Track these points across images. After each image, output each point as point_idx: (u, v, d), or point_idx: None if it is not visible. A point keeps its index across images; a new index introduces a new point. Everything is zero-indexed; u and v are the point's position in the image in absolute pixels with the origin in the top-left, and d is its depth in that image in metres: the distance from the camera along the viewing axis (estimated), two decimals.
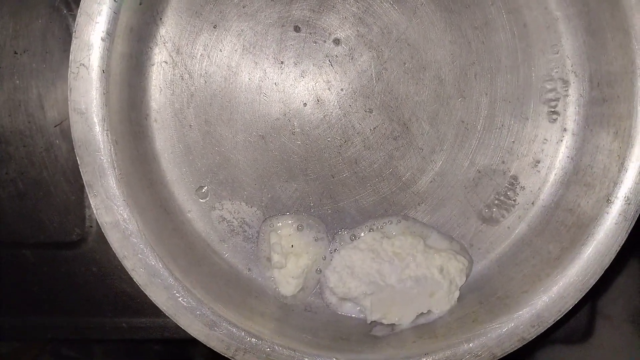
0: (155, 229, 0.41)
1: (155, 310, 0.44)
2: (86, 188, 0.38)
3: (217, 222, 0.46)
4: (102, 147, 0.38)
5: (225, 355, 0.40)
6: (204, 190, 0.46)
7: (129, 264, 0.39)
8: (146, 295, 0.39)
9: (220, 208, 0.46)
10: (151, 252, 0.39)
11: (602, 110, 0.43)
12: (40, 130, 0.48)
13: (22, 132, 0.48)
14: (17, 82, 0.47)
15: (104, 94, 0.38)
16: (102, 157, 0.38)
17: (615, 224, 0.40)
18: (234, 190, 0.46)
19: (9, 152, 0.48)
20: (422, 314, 0.44)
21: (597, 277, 0.40)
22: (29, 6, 0.48)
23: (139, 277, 0.39)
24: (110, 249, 0.39)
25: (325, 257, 0.46)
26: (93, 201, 0.38)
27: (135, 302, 0.49)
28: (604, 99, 0.43)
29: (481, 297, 0.45)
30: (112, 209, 0.38)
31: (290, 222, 0.46)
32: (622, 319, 0.58)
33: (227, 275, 0.46)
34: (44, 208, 0.49)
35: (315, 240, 0.46)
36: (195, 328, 0.39)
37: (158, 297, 0.39)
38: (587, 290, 0.40)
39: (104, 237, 0.39)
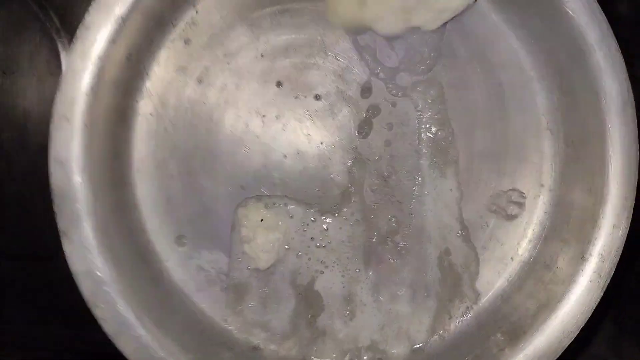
0: (130, 277, 0.41)
1: None
2: (60, 235, 0.38)
3: (194, 271, 0.46)
4: (80, 197, 0.39)
5: None
6: (183, 239, 0.46)
7: (99, 313, 0.39)
8: None
9: (199, 257, 0.46)
10: (123, 301, 0.39)
11: (576, 167, 0.44)
12: (22, 147, 0.51)
13: (6, 149, 0.51)
14: (4, 101, 0.51)
15: (85, 145, 0.39)
16: (80, 207, 0.39)
17: (590, 281, 0.40)
18: (212, 240, 0.46)
19: None
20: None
21: (573, 336, 0.40)
22: (19, 30, 0.52)
23: (109, 327, 0.39)
24: None
25: (293, 238, 0.46)
26: (66, 248, 0.38)
27: None
28: (578, 157, 0.44)
29: (458, 356, 0.44)
30: (85, 257, 0.39)
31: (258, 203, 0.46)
32: None
33: (201, 325, 0.45)
34: (22, 221, 0.51)
35: (287, 216, 0.46)
36: None
37: (126, 347, 0.39)
38: (562, 350, 0.40)
39: None
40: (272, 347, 0.46)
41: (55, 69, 0.51)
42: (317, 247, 0.46)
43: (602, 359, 0.53)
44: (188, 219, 0.46)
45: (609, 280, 0.40)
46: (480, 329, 0.46)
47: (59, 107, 0.38)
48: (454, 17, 0.44)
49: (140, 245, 0.45)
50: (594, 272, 0.40)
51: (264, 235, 0.44)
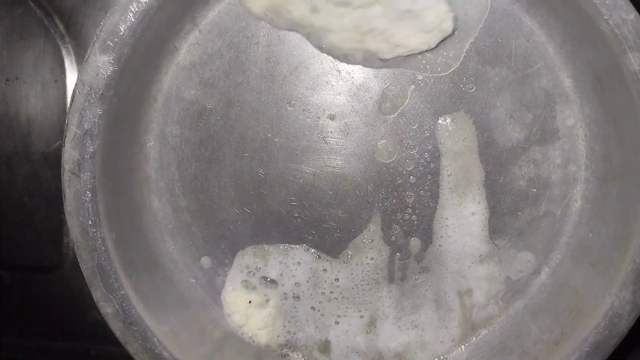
0: (158, 309, 0.43)
1: None
2: (87, 283, 0.40)
3: (220, 287, 0.48)
4: (97, 245, 0.40)
5: None
6: (207, 259, 0.47)
7: (131, 349, 0.42)
8: None
9: (224, 274, 0.48)
10: (152, 337, 0.42)
11: (612, 189, 0.41)
12: (26, 156, 0.50)
13: (8, 157, 0.51)
14: (7, 108, 0.50)
15: (97, 195, 0.40)
16: (99, 256, 0.40)
17: (615, 319, 0.39)
18: (233, 259, 0.47)
19: None
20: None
21: None
22: (23, 36, 0.50)
23: None
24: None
25: (308, 289, 0.46)
26: (94, 295, 0.41)
27: (105, 330, 0.46)
28: (615, 177, 0.40)
29: None
30: (111, 300, 0.41)
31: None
32: None
33: (230, 340, 0.48)
34: (23, 232, 0.51)
35: (295, 264, 0.46)
36: None
37: None
38: None
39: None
40: (299, 354, 0.48)
41: (59, 75, 0.50)
42: (329, 301, 0.46)
43: None
44: (208, 240, 0.47)
45: (634, 321, 0.38)
46: (503, 342, 0.46)
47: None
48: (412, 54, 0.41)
49: (166, 268, 0.47)
50: (619, 310, 0.38)
51: (256, 315, 0.46)
